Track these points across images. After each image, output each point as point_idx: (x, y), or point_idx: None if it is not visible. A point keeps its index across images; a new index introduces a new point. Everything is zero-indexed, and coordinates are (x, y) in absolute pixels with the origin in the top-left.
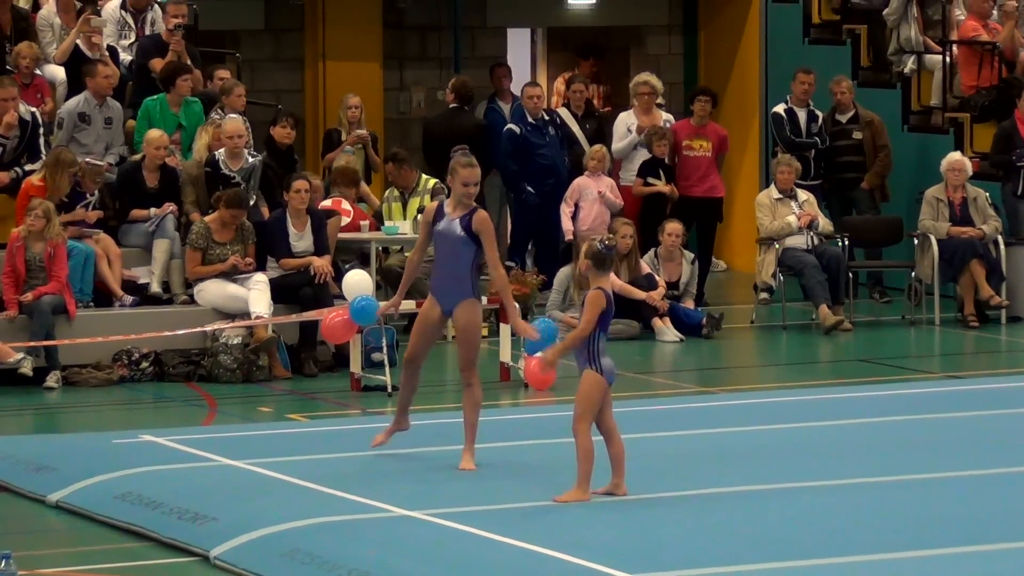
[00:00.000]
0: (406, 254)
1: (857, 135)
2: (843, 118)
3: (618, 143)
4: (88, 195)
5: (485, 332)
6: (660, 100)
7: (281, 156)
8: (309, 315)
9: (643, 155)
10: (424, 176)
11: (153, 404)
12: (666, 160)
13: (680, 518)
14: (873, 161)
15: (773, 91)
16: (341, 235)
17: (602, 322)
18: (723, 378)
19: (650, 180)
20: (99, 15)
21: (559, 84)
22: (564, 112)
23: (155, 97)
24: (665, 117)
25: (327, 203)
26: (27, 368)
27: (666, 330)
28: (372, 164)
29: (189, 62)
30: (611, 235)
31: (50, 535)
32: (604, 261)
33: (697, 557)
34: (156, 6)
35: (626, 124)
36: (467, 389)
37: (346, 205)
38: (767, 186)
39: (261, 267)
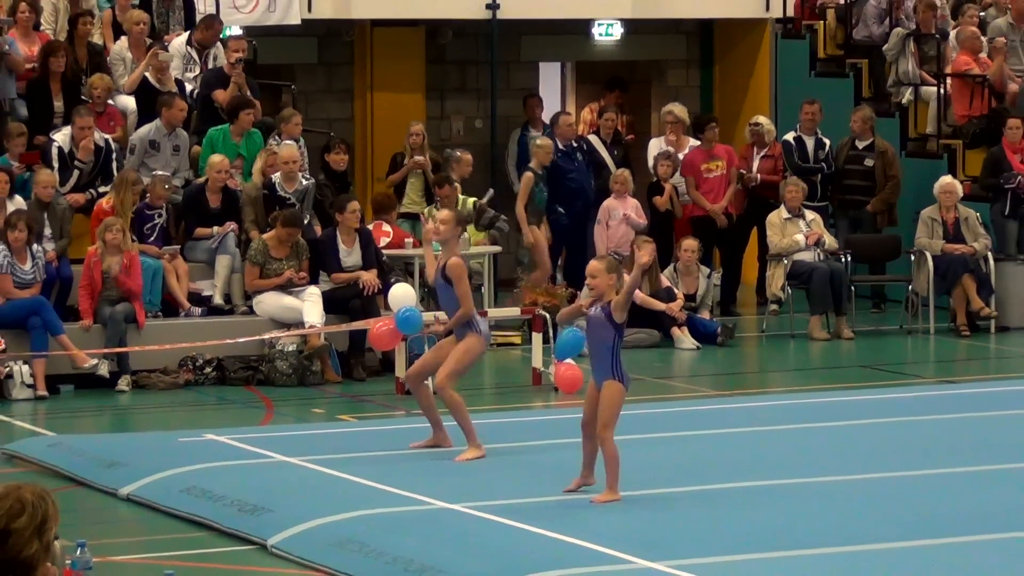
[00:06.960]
0: None
1: (869, 162)
2: (860, 144)
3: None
4: (156, 215)
5: (518, 340)
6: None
7: (336, 179)
8: (358, 324)
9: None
10: (462, 196)
11: (215, 406)
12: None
13: (699, 512)
14: (882, 188)
15: (783, 120)
16: (388, 251)
17: (619, 331)
18: (736, 383)
19: (656, 199)
20: (166, 50)
21: (586, 113)
22: (594, 139)
23: (219, 127)
24: (692, 143)
25: (369, 227)
26: (104, 370)
27: (684, 338)
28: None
29: (249, 93)
30: (618, 253)
31: (121, 525)
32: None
33: (712, 546)
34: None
35: (658, 148)
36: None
37: (386, 227)
38: (777, 207)
39: (314, 281)
